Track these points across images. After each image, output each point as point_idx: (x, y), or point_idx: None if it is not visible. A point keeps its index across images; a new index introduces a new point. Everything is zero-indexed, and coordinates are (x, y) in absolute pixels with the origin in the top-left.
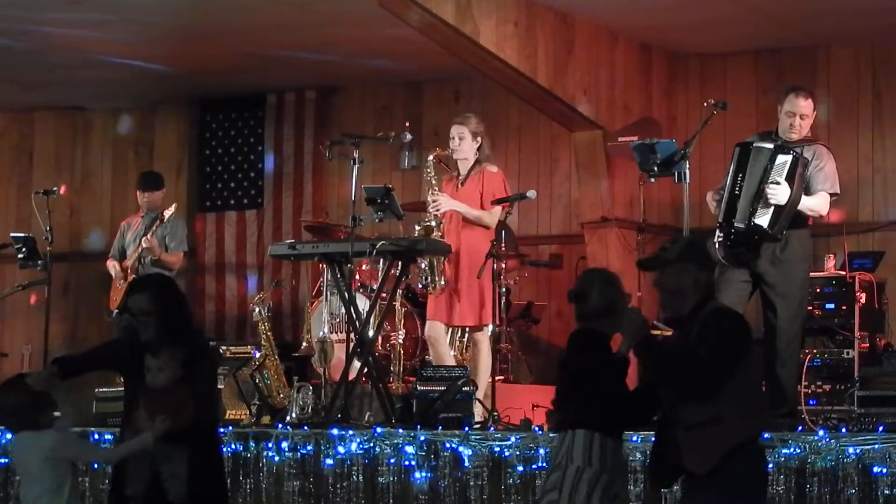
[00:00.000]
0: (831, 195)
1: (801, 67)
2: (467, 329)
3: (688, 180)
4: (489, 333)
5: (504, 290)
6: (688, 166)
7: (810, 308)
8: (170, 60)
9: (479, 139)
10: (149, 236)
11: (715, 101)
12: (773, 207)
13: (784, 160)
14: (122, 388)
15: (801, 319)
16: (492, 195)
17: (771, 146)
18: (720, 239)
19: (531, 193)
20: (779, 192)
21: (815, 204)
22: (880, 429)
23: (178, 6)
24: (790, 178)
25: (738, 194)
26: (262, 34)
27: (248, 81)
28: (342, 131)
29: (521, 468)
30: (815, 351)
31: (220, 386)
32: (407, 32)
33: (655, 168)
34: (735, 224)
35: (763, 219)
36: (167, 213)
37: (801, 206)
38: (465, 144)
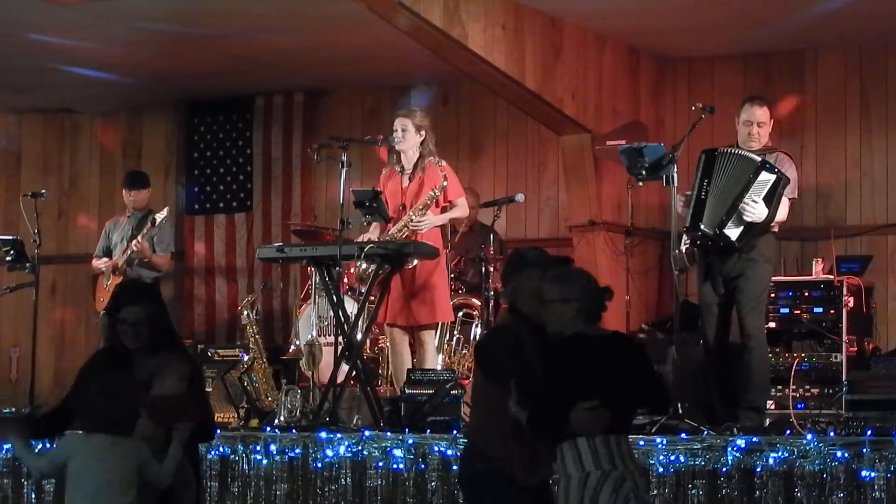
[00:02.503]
0: (791, 199)
1: (788, 71)
2: (456, 331)
3: (676, 184)
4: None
5: (492, 292)
6: (676, 170)
7: (798, 312)
8: (158, 63)
9: (422, 133)
10: (139, 238)
11: (703, 105)
12: (744, 224)
13: (767, 179)
14: None
15: (763, 317)
16: (455, 189)
17: (758, 158)
18: (687, 245)
19: (519, 197)
20: (756, 211)
21: (782, 214)
22: (868, 433)
23: (167, 9)
24: (769, 199)
25: (705, 199)
26: (250, 37)
27: (236, 84)
28: (330, 134)
29: None
30: (803, 355)
31: (208, 389)
32: (395, 35)
33: (643, 172)
34: (702, 228)
35: (733, 231)
36: (159, 217)
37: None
38: (408, 137)
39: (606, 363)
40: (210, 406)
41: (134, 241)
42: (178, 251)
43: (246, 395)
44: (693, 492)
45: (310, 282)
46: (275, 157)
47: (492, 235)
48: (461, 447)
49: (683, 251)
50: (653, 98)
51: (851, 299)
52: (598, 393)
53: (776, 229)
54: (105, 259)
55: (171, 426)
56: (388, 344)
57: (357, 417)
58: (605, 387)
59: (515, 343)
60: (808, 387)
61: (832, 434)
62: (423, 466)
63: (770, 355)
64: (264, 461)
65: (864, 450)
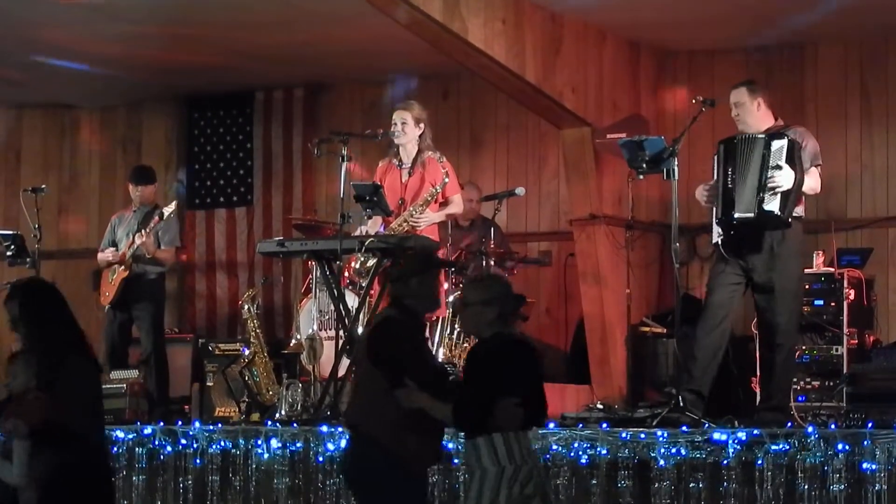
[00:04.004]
0: (818, 167)
1: (789, 65)
2: (456, 324)
3: (676, 177)
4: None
5: None
6: (676, 163)
7: None
8: (157, 58)
9: (421, 126)
10: (143, 233)
11: (703, 98)
12: (780, 193)
13: (780, 144)
14: (112, 385)
15: (797, 314)
16: (453, 186)
17: (763, 135)
18: (721, 236)
19: (520, 190)
20: (784, 176)
21: (813, 183)
22: (869, 425)
23: (166, 4)
24: (790, 161)
25: (732, 188)
26: (250, 32)
27: (236, 79)
28: (330, 129)
29: None
30: (804, 347)
31: (209, 383)
32: (395, 30)
33: (644, 165)
34: (738, 215)
35: (773, 204)
36: (167, 211)
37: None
38: (407, 130)
39: (522, 363)
40: (67, 411)
41: (137, 236)
42: (181, 245)
43: (247, 390)
44: (694, 485)
45: (311, 276)
46: (275, 152)
47: (493, 229)
48: (346, 438)
49: (717, 242)
50: (653, 91)
51: (852, 292)
52: (519, 391)
53: (802, 210)
54: (111, 249)
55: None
56: None
57: None
58: (522, 386)
59: (412, 336)
60: (809, 379)
61: (833, 426)
62: None
63: None
64: (265, 455)
65: (865, 442)
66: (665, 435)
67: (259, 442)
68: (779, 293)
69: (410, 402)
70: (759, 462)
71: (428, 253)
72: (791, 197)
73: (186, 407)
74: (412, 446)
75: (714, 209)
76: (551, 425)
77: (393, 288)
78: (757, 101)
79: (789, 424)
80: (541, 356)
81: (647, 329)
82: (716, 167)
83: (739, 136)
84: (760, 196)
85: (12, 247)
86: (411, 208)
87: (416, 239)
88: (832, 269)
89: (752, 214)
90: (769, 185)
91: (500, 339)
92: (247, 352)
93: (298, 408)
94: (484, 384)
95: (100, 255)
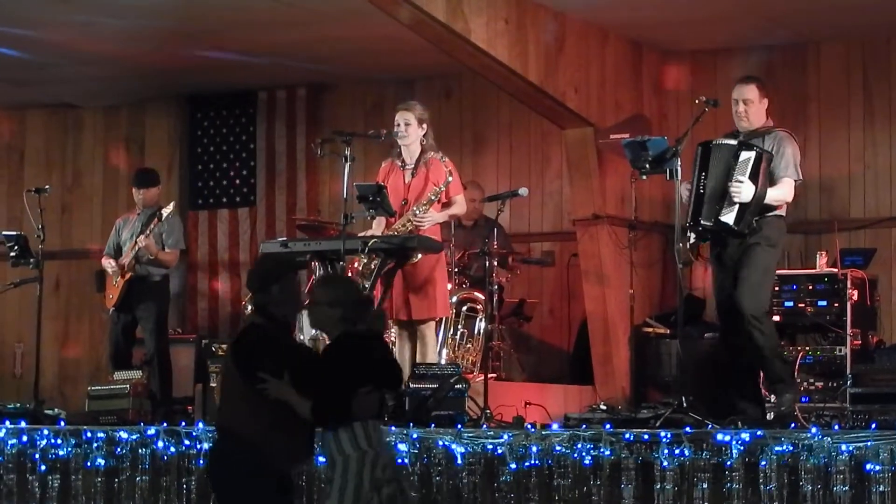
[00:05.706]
0: (795, 181)
1: (791, 64)
2: (460, 325)
3: (679, 177)
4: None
5: (496, 287)
6: (679, 163)
7: (802, 305)
8: (160, 58)
9: (424, 126)
10: (145, 235)
11: (706, 98)
12: (737, 205)
13: (748, 157)
14: (116, 386)
15: (766, 304)
16: (456, 186)
17: (734, 142)
18: (692, 240)
19: (523, 191)
20: (742, 190)
21: (780, 194)
22: (873, 426)
23: (169, 4)
24: (754, 176)
25: (703, 193)
26: (253, 31)
27: (239, 79)
28: (333, 129)
29: (513, 466)
30: (807, 348)
31: (212, 384)
32: (398, 30)
33: (647, 165)
34: (702, 222)
35: (729, 216)
36: (165, 212)
37: (766, 199)
38: (411, 130)
39: (371, 355)
40: None
41: (139, 238)
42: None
43: None
44: (698, 486)
45: (313, 277)
46: (278, 152)
47: (496, 229)
48: (211, 440)
49: (687, 246)
50: (656, 91)
51: (855, 292)
52: (370, 380)
53: (783, 212)
54: (111, 261)
55: None
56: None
57: None
58: (373, 375)
59: (274, 341)
60: (812, 380)
61: (837, 427)
62: (427, 461)
63: None
64: None
65: (869, 443)
66: (668, 436)
67: None
68: (744, 280)
69: (279, 394)
70: (763, 463)
71: (279, 258)
72: (749, 209)
73: (190, 407)
74: (279, 446)
75: (687, 211)
76: (555, 426)
77: (255, 298)
78: (764, 99)
79: (793, 425)
80: (384, 341)
81: (650, 329)
82: (693, 169)
83: (715, 142)
84: (719, 206)
85: (16, 247)
86: (414, 208)
87: (419, 239)
88: (835, 270)
89: (710, 223)
90: (730, 195)
91: (346, 336)
92: None
93: None
94: (338, 380)
95: (103, 261)
